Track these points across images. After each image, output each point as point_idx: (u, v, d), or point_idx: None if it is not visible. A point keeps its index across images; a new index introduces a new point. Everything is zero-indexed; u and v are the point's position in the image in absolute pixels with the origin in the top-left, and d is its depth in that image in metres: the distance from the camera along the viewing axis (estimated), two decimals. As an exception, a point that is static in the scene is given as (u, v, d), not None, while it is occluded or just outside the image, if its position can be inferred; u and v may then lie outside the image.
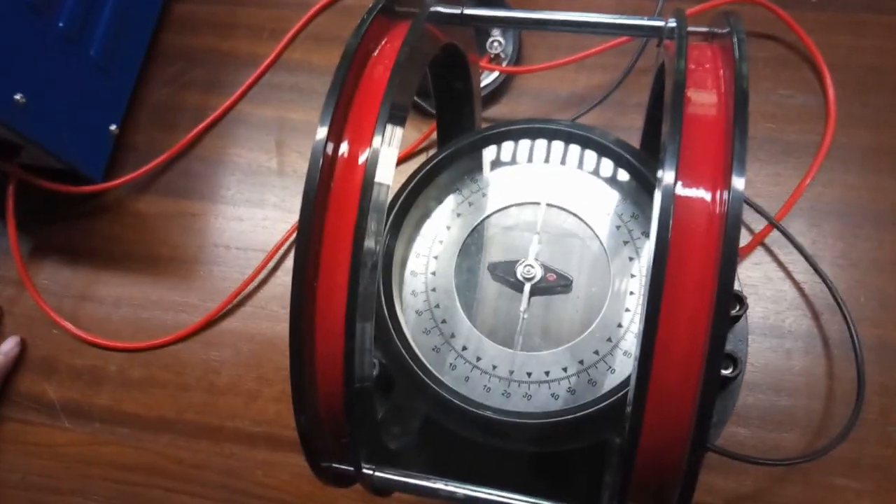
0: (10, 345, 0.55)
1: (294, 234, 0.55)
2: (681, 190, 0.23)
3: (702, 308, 0.23)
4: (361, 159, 0.26)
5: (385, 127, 0.26)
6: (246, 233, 0.57)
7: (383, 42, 0.29)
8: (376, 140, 0.26)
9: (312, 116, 0.59)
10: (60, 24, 0.52)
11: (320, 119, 0.26)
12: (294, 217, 0.56)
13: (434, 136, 0.56)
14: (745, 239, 0.49)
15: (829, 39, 0.54)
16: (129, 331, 0.55)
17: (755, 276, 0.49)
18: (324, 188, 0.26)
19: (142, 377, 0.54)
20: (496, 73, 0.55)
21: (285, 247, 0.56)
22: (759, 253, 0.50)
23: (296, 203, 0.57)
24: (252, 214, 0.57)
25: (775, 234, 0.50)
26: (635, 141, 0.41)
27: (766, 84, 0.54)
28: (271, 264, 0.55)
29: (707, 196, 0.24)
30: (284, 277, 0.55)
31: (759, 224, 0.50)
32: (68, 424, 0.53)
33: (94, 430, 0.53)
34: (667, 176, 0.23)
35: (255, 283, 0.55)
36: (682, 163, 0.23)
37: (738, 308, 0.36)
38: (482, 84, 0.55)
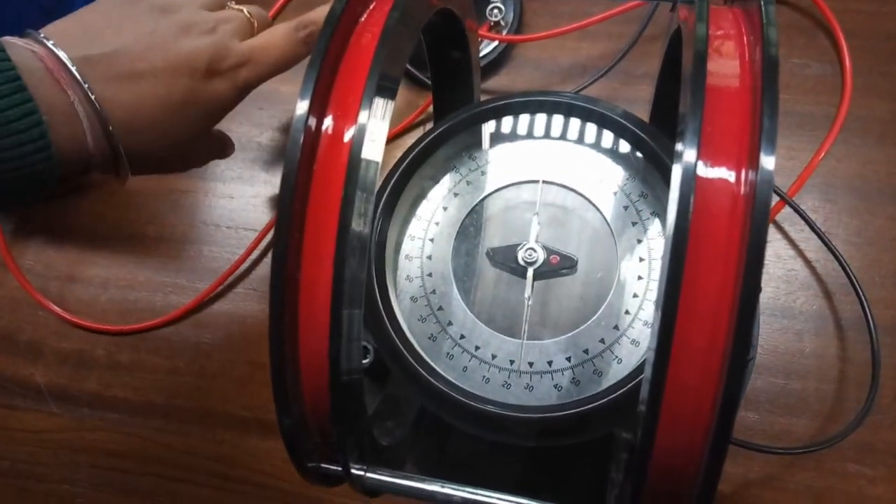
0: None
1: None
2: (702, 171, 0.21)
3: (724, 302, 0.21)
4: (347, 135, 0.24)
5: (373, 99, 0.24)
6: (237, 211, 0.55)
7: (372, 6, 0.26)
8: (363, 114, 0.24)
9: (304, 88, 0.57)
10: (37, -7, 0.50)
11: (300, 92, 0.24)
12: (286, 194, 0.54)
13: (431, 109, 0.53)
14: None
15: (847, 5, 0.51)
16: (116, 313, 0.53)
17: (766, 255, 0.47)
18: (305, 168, 0.24)
19: (130, 361, 0.52)
20: (496, 43, 0.52)
21: (277, 225, 0.53)
22: (770, 230, 0.48)
23: (288, 179, 0.55)
24: (243, 191, 0.55)
25: (787, 210, 0.47)
26: (643, 114, 0.39)
27: (780, 51, 0.51)
28: (263, 244, 0.53)
29: (731, 177, 0.22)
30: (277, 257, 0.53)
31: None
32: (56, 410, 0.52)
33: (82, 416, 0.51)
34: (687, 155, 0.21)
35: (246, 264, 0.53)
36: (703, 141, 0.21)
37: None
38: (481, 54, 0.52)
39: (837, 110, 0.49)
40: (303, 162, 0.23)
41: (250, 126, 0.57)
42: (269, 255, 0.53)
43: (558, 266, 0.31)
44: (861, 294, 0.44)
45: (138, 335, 0.53)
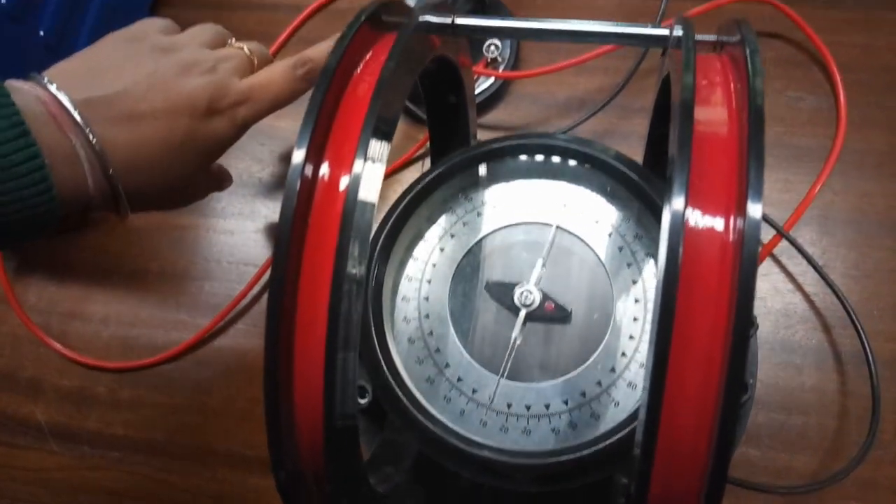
0: None
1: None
2: (691, 220, 0.21)
3: (716, 346, 0.21)
4: (342, 184, 0.24)
5: (367, 148, 0.24)
6: (237, 246, 0.55)
7: (368, 56, 0.27)
8: (358, 163, 0.24)
9: (304, 125, 0.57)
10: (41, 33, 0.50)
11: (297, 141, 0.24)
12: (286, 229, 0.54)
13: (428, 144, 0.54)
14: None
15: (840, 38, 0.52)
16: (118, 350, 0.53)
17: (763, 288, 0.47)
18: (302, 213, 0.24)
19: (131, 398, 0.52)
20: (492, 78, 0.53)
21: (278, 260, 0.54)
22: (767, 263, 0.48)
23: (288, 215, 0.55)
24: (244, 227, 0.56)
25: (784, 243, 0.47)
26: (640, 147, 0.39)
27: (776, 85, 0.52)
28: (264, 279, 0.53)
29: (719, 226, 0.22)
30: (277, 292, 0.54)
31: (767, 233, 0.48)
32: (56, 448, 0.52)
33: (83, 454, 0.51)
34: (675, 204, 0.21)
35: (247, 300, 0.53)
36: (691, 191, 0.21)
37: (748, 330, 0.34)
38: (478, 89, 0.53)
39: (833, 143, 0.49)
40: (298, 211, 0.23)
41: (251, 161, 0.57)
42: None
43: (552, 314, 0.31)
44: (859, 327, 0.44)
45: (139, 372, 0.53)
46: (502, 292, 0.33)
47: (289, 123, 0.57)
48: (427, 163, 0.54)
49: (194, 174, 0.40)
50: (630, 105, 0.53)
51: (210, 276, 0.54)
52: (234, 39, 0.44)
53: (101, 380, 0.53)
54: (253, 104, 0.41)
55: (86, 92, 0.35)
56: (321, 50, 0.43)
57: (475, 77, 0.52)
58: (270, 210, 0.56)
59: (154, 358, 0.52)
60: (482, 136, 0.53)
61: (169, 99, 0.37)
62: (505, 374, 0.31)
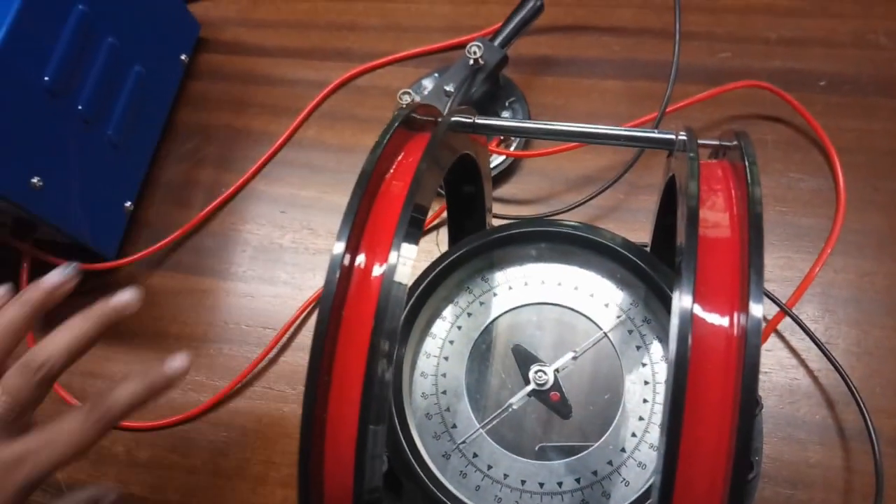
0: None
1: (305, 312, 0.55)
2: (697, 316, 0.23)
3: (722, 439, 0.23)
4: (378, 272, 0.26)
5: (399, 248, 0.26)
6: (257, 310, 0.57)
7: (400, 157, 0.29)
8: (392, 255, 0.26)
9: (325, 193, 0.60)
10: (79, 108, 0.53)
11: (337, 235, 0.26)
12: (305, 294, 0.56)
13: (445, 215, 0.56)
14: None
15: (838, 123, 0.54)
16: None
17: (768, 364, 0.49)
18: (339, 298, 0.26)
19: (149, 458, 0.53)
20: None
21: (296, 324, 0.56)
22: (771, 340, 0.49)
23: (306, 280, 0.57)
24: (263, 291, 0.57)
25: (788, 320, 0.49)
26: (647, 222, 0.41)
27: (777, 166, 0.54)
28: (282, 342, 0.55)
29: (724, 321, 0.24)
30: (294, 356, 0.55)
31: (770, 310, 0.49)
32: (73, 506, 0.52)
33: (99, 513, 0.52)
34: (683, 304, 0.23)
35: (264, 362, 0.55)
36: (698, 292, 0.23)
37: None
38: (492, 165, 0.56)
39: (833, 223, 0.51)
40: (337, 295, 0.25)
41: (272, 228, 0.59)
42: (287, 353, 0.55)
43: (554, 404, 0.33)
44: (861, 404, 0.46)
45: (157, 432, 0.54)
46: (524, 361, 0.35)
47: (311, 192, 0.60)
48: (441, 232, 0.56)
49: None
50: (637, 182, 0.55)
51: (228, 338, 0.56)
52: None
53: (119, 439, 0.54)
54: (33, 464, 0.35)
55: None
56: (116, 397, 0.38)
57: (490, 155, 0.55)
58: (289, 275, 0.57)
59: (171, 418, 0.54)
60: (496, 208, 0.56)
61: None
62: (485, 429, 0.33)
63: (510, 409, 0.34)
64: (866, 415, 0.45)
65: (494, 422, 0.33)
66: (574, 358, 0.34)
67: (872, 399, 0.46)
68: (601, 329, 0.35)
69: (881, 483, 0.44)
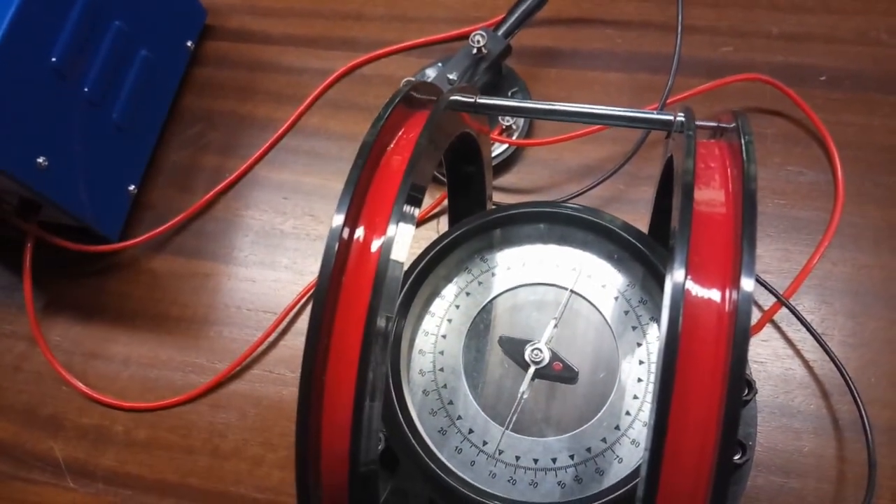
0: None
1: (305, 297, 0.56)
2: (690, 295, 0.24)
3: (711, 412, 0.23)
4: (375, 246, 0.27)
5: (400, 216, 0.26)
6: (257, 294, 0.57)
7: (400, 132, 0.30)
8: (391, 229, 0.26)
9: (327, 181, 0.60)
10: (85, 89, 0.54)
11: (337, 207, 0.27)
12: (305, 279, 0.57)
13: (445, 202, 0.56)
14: (754, 317, 0.49)
15: (839, 118, 0.55)
16: (136, 390, 0.55)
17: (764, 354, 0.49)
18: (338, 272, 0.26)
19: (147, 438, 0.54)
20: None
21: (296, 309, 0.56)
22: (767, 330, 0.50)
23: (307, 265, 0.58)
24: (265, 276, 0.58)
25: (784, 310, 0.49)
26: (646, 212, 0.42)
27: (776, 160, 0.55)
28: (281, 326, 0.56)
29: (716, 297, 0.24)
30: (294, 340, 0.56)
31: (767, 300, 0.50)
32: (72, 484, 0.53)
33: (97, 491, 0.52)
34: (676, 278, 0.23)
35: (264, 346, 0.55)
36: (691, 266, 0.24)
37: (746, 393, 0.36)
38: (494, 154, 0.56)
39: (831, 216, 0.51)
40: (336, 269, 0.25)
41: (274, 213, 0.60)
42: (286, 337, 0.56)
43: (559, 373, 0.33)
44: (856, 395, 0.46)
45: (156, 412, 0.54)
46: (514, 348, 0.35)
47: (313, 179, 0.60)
48: (442, 220, 0.57)
49: None
50: (637, 173, 0.56)
51: (229, 321, 0.57)
52: None
53: (119, 419, 0.54)
54: None
55: None
56: None
57: (491, 143, 0.55)
58: (290, 260, 0.58)
59: (171, 399, 0.54)
60: (497, 197, 0.56)
61: None
62: (510, 427, 0.33)
63: (523, 399, 0.34)
64: (860, 405, 0.46)
65: (514, 418, 0.33)
66: (555, 326, 0.34)
67: (867, 390, 0.47)
68: (597, 309, 0.35)
69: (873, 473, 0.44)
